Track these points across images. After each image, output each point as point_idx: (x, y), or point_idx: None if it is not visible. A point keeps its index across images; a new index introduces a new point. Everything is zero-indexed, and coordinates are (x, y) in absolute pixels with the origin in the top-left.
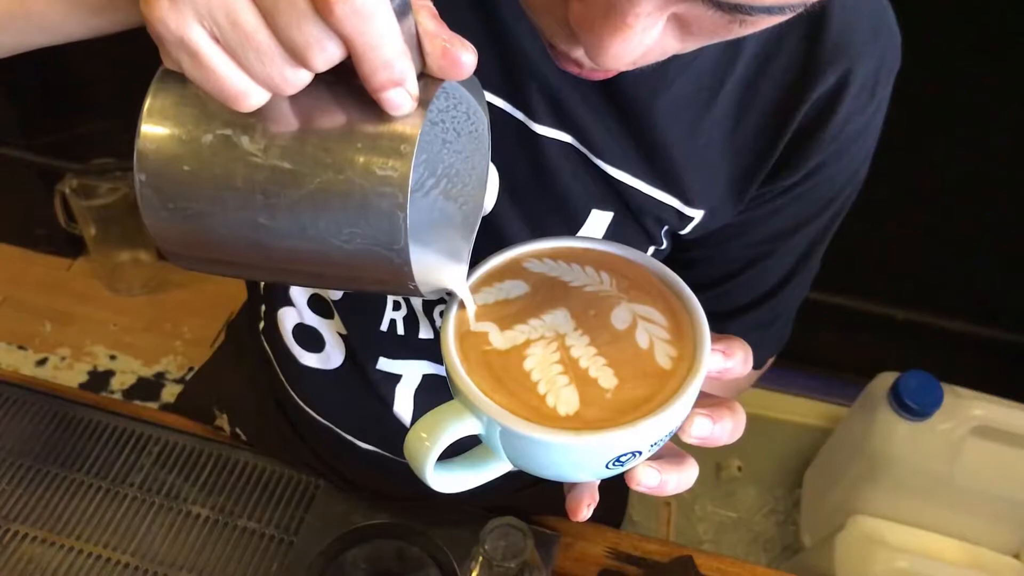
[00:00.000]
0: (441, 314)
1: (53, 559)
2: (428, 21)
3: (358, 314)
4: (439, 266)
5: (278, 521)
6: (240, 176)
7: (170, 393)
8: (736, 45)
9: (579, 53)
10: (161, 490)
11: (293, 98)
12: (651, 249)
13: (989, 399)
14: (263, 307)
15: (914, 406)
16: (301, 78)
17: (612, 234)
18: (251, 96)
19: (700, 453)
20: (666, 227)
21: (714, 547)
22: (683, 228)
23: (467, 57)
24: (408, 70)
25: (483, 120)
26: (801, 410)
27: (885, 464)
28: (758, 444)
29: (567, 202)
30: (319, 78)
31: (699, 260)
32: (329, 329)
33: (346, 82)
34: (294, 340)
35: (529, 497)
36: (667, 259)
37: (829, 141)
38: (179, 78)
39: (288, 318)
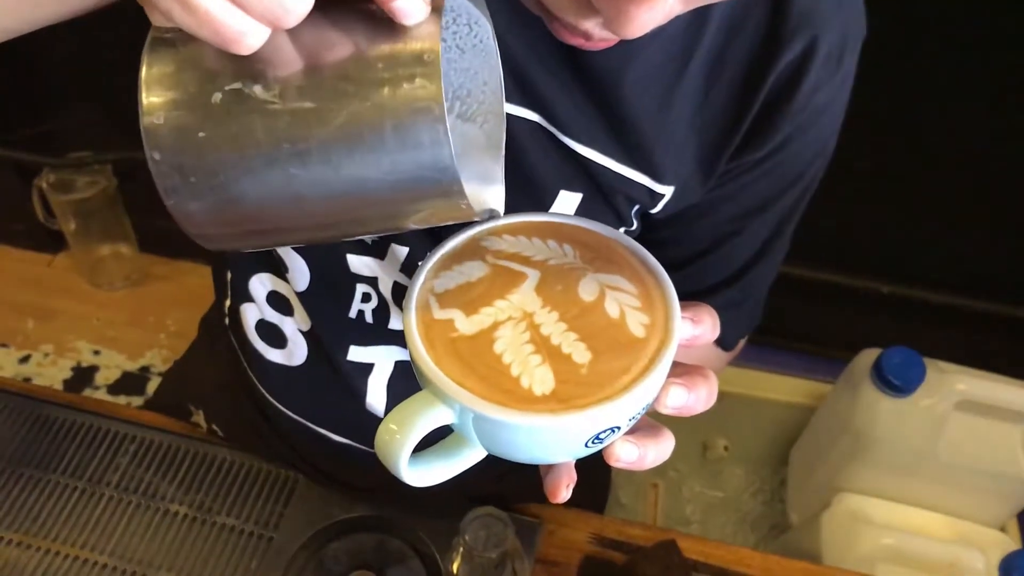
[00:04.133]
0: None
1: (30, 562)
2: None
3: (326, 304)
4: (477, 191)
5: (257, 517)
6: (260, 128)
7: (155, 387)
8: (703, 16)
9: (589, 24)
10: (138, 489)
11: (294, 34)
12: (621, 230)
13: (972, 373)
14: (228, 302)
15: (897, 382)
16: (303, 5)
17: (582, 216)
18: (249, 35)
19: (686, 433)
20: (637, 206)
21: (702, 528)
22: (654, 206)
23: None
24: None
25: (487, 29)
26: (786, 388)
27: (869, 441)
28: (744, 423)
29: (534, 184)
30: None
31: (668, 240)
32: (290, 325)
33: (339, 4)
34: (258, 336)
35: (511, 484)
36: (635, 239)
37: (797, 112)
38: (168, 44)
39: (250, 314)
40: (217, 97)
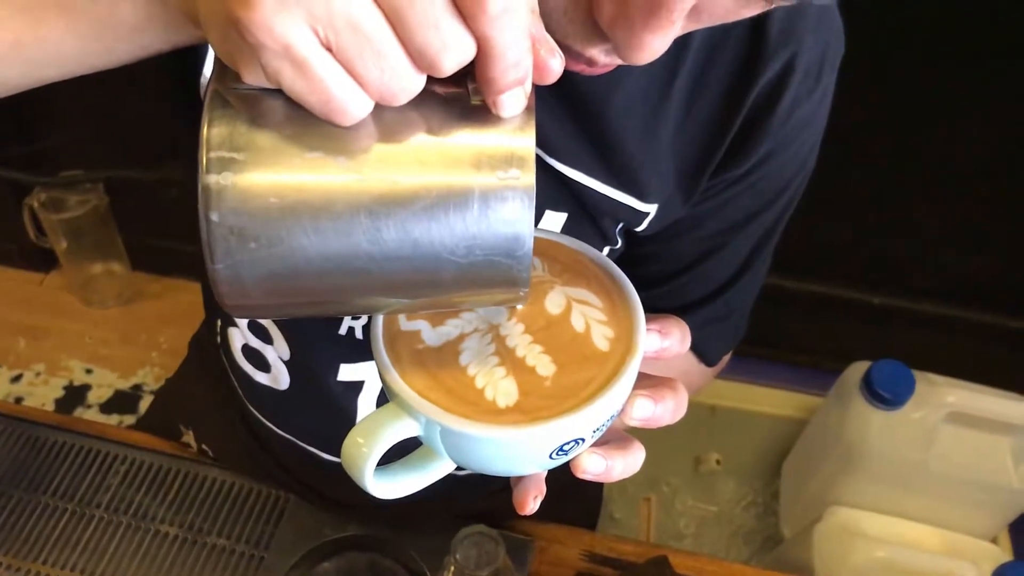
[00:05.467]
0: None
1: None
2: (534, 18)
3: (315, 324)
4: None
5: (248, 537)
6: (341, 200)
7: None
8: (685, 37)
9: (595, 51)
10: (129, 510)
11: (383, 108)
12: (606, 249)
13: (961, 385)
14: (218, 322)
15: (887, 395)
16: (418, 85)
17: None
18: (356, 108)
19: (679, 447)
20: (621, 225)
21: (695, 542)
22: (639, 225)
23: (557, 64)
24: (531, 69)
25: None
26: (777, 401)
27: (860, 454)
28: (736, 437)
29: None
30: None
31: (651, 256)
32: (272, 353)
33: (427, 87)
34: (244, 359)
35: (502, 502)
36: (619, 256)
37: (777, 128)
38: (240, 101)
39: (236, 338)
40: (296, 163)
